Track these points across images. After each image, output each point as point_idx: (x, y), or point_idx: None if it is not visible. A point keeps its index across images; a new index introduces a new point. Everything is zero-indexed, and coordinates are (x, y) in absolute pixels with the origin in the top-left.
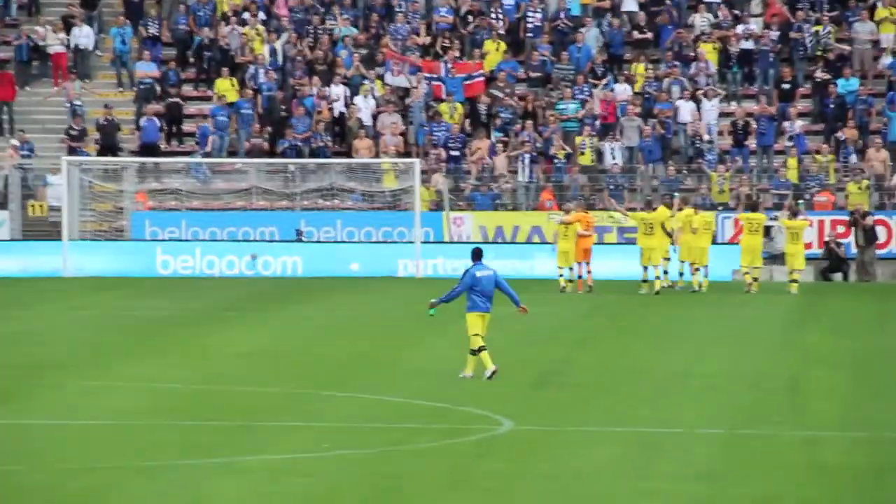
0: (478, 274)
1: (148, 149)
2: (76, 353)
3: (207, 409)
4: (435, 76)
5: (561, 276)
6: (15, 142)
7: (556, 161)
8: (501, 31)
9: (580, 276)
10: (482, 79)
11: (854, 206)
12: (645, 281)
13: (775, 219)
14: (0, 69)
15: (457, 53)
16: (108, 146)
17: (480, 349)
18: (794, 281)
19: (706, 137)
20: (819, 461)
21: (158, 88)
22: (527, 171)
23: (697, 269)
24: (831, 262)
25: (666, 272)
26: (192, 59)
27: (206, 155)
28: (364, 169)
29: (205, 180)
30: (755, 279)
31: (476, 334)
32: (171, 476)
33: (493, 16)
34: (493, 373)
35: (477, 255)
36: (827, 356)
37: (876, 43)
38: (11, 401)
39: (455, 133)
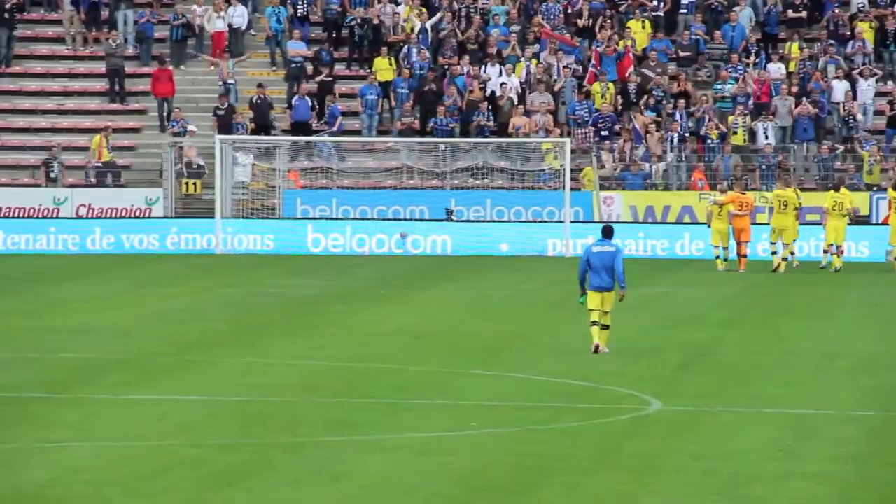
0: (594, 250)
1: (299, 127)
2: (228, 330)
3: (355, 387)
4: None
5: (717, 257)
6: (193, 127)
7: (708, 141)
8: (654, 12)
9: (741, 255)
10: (630, 55)
11: None
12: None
13: None
14: (161, 64)
15: (609, 33)
16: (261, 125)
17: (593, 323)
18: None
19: (860, 117)
20: None
21: (310, 67)
22: (675, 150)
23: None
24: None
25: (793, 253)
26: (344, 38)
27: (332, 135)
28: (519, 148)
29: (336, 159)
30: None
31: (592, 309)
32: (317, 453)
33: None
34: (597, 348)
35: (604, 232)
36: None
37: None
38: (165, 376)
39: (605, 112)
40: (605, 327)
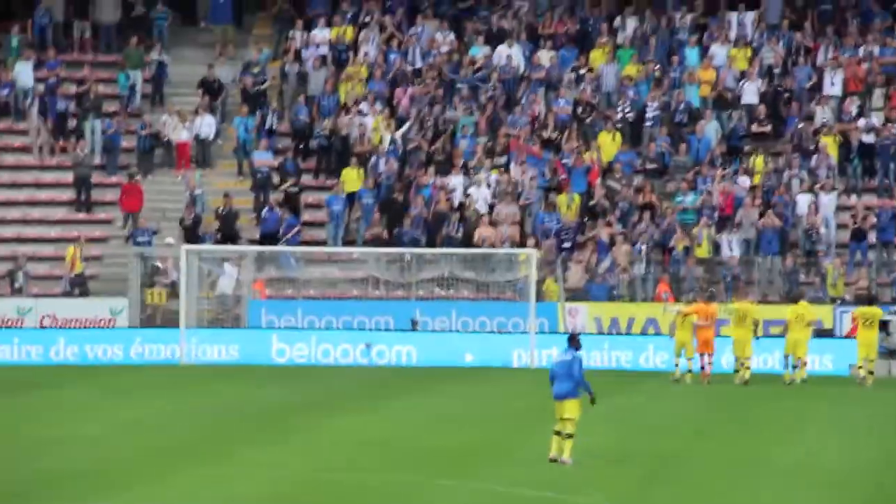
0: (555, 359)
1: (268, 238)
2: (195, 440)
3: (323, 497)
4: (554, 166)
5: (676, 365)
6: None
7: (674, 252)
8: (619, 124)
9: (702, 368)
10: (596, 168)
11: None
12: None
13: (894, 313)
14: (130, 178)
15: (575, 144)
16: (228, 235)
17: (556, 433)
18: None
19: (822, 231)
20: None
21: (276, 178)
22: (643, 262)
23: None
24: None
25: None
26: (311, 149)
27: (289, 244)
28: (485, 259)
29: (299, 269)
30: (870, 372)
31: (560, 418)
32: None
33: (616, 108)
34: (553, 460)
35: (568, 340)
36: None
37: None
38: (134, 487)
39: (568, 224)
40: (568, 436)
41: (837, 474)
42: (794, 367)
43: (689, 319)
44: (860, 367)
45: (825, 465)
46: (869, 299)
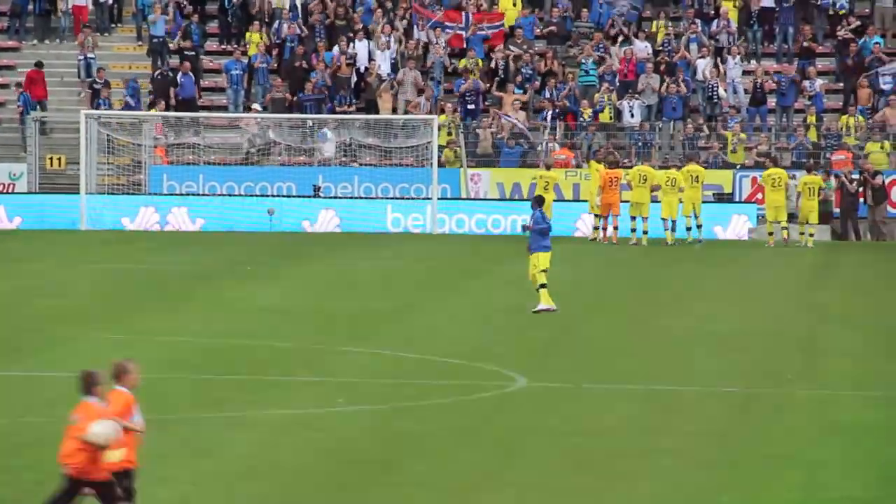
0: (528, 221)
1: (186, 103)
2: (94, 306)
3: (221, 364)
4: (457, 26)
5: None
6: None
7: (581, 119)
8: None
9: (605, 229)
10: (500, 31)
11: (863, 165)
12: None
13: (793, 177)
14: (37, 66)
15: (476, 8)
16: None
17: (542, 286)
18: (811, 235)
19: (723, 94)
20: (832, 420)
21: (173, 44)
22: (548, 128)
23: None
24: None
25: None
26: (212, 13)
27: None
28: (386, 124)
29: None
30: (784, 228)
31: (544, 270)
32: (182, 429)
33: None
34: (539, 311)
35: (537, 201)
36: (840, 315)
37: None
38: (27, 353)
39: (471, 87)
40: (545, 286)
41: (732, 338)
42: (688, 228)
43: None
44: (770, 233)
45: (721, 330)
46: (775, 161)
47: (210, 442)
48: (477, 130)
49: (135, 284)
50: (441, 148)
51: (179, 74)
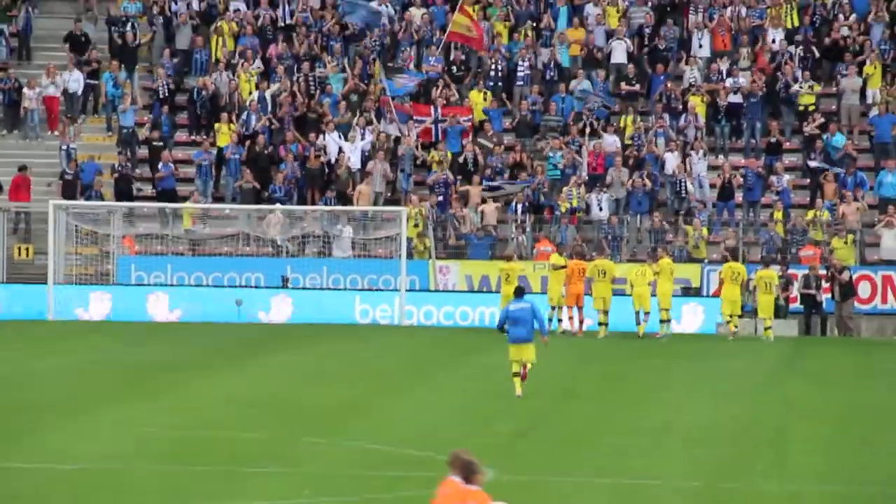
0: (512, 308)
1: (167, 194)
2: (60, 396)
3: (191, 455)
4: (425, 120)
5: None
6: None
7: (557, 212)
8: (490, 81)
9: (571, 320)
10: (469, 125)
11: (830, 261)
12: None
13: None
14: (21, 170)
15: (445, 101)
16: (125, 193)
17: (515, 374)
18: (768, 328)
19: (690, 189)
20: None
21: (143, 134)
22: (519, 220)
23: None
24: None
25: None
26: (181, 105)
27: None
28: (360, 216)
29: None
30: (736, 327)
31: (515, 360)
32: None
33: (487, 65)
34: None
35: (516, 292)
36: (809, 409)
37: (864, 98)
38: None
39: (441, 179)
40: (516, 374)
41: (700, 431)
42: (653, 319)
43: (561, 274)
44: (729, 323)
45: (689, 422)
46: (734, 255)
47: None
48: (446, 223)
49: (102, 375)
50: (410, 240)
51: (160, 165)
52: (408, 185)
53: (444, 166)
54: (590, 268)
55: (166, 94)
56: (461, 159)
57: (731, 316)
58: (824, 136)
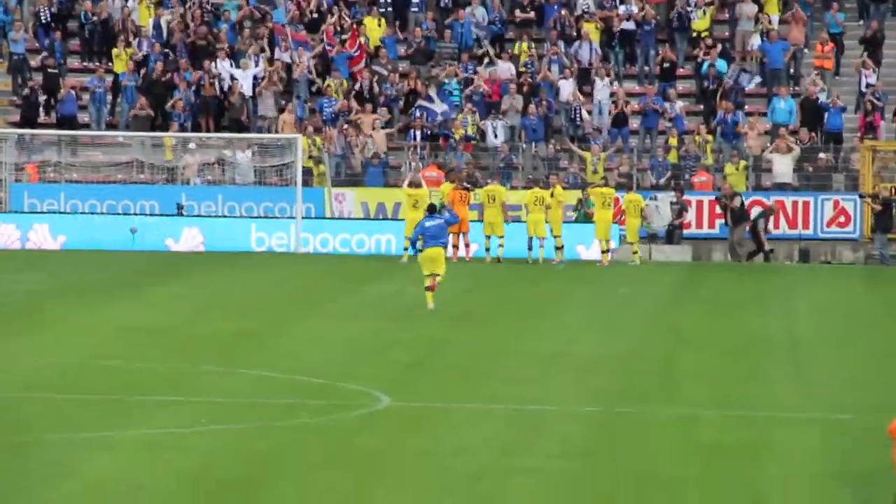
0: (427, 224)
1: (67, 121)
2: None
3: (83, 384)
4: (322, 45)
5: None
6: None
7: (451, 140)
8: (384, 8)
9: (455, 246)
10: (359, 54)
11: (722, 187)
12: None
13: (654, 198)
14: None
15: (340, 28)
16: (30, 118)
17: (427, 288)
18: (635, 252)
19: (586, 116)
20: (694, 439)
21: (34, 61)
22: (416, 148)
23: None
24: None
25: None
26: (73, 31)
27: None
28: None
29: (66, 154)
30: (605, 252)
31: (428, 275)
32: (43, 452)
33: None
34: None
35: (429, 209)
36: (699, 337)
37: (757, 24)
38: None
39: (342, 108)
40: (430, 289)
41: (592, 358)
42: (541, 247)
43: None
44: (604, 251)
45: (581, 351)
46: (604, 180)
47: (69, 465)
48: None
49: None
50: (306, 169)
51: (62, 92)
52: (303, 113)
53: (340, 94)
54: (481, 193)
55: (48, 19)
56: (357, 87)
57: (602, 240)
58: (705, 61)
